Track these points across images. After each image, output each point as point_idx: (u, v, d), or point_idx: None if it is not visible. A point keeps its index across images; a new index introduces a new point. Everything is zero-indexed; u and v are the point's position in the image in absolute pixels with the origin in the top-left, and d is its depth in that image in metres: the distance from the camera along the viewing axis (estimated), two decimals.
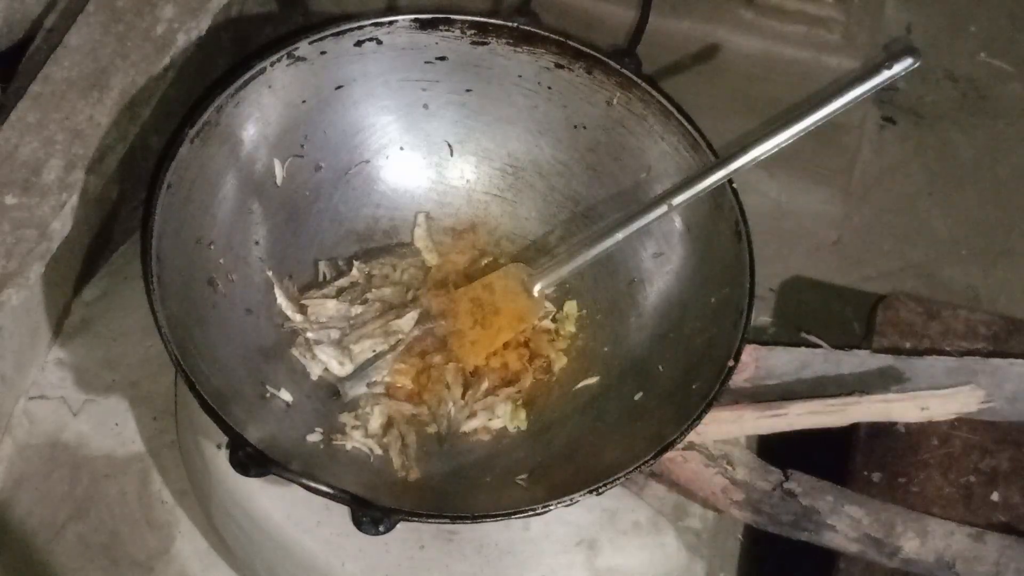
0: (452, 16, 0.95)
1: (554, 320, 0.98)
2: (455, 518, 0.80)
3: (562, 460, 0.89)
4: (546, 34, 0.96)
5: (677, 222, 0.95)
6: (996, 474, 1.00)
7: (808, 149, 1.22)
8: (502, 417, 0.93)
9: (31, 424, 1.01)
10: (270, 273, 0.94)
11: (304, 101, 0.95)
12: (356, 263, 0.98)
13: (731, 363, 0.85)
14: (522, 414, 0.93)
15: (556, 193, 1.01)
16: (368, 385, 0.92)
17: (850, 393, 0.98)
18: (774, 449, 0.99)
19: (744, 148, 0.89)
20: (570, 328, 0.98)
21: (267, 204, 0.95)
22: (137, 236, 0.87)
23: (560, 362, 0.96)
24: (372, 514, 0.76)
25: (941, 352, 1.04)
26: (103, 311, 1.07)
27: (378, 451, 0.90)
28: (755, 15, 1.20)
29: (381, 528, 0.77)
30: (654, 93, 0.94)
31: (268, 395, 0.89)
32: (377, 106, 0.99)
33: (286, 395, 0.90)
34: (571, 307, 0.98)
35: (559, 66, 0.96)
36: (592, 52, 0.95)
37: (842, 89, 0.87)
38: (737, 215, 0.90)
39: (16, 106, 0.92)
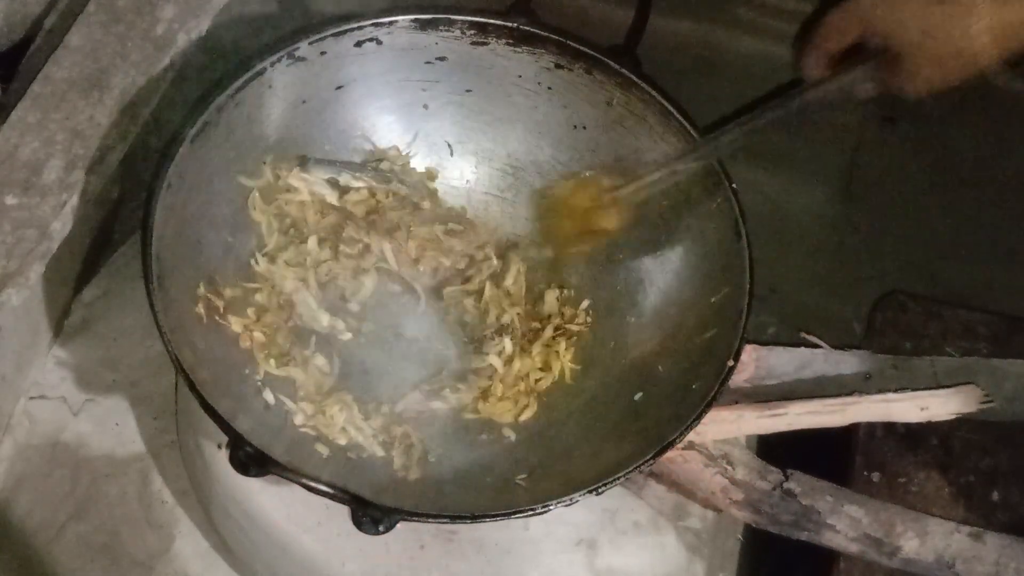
0: (452, 16, 0.95)
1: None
2: (455, 518, 0.80)
3: (562, 460, 0.89)
4: (546, 34, 0.96)
5: (677, 222, 0.95)
6: (996, 474, 1.00)
7: (808, 149, 1.22)
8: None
9: (31, 424, 1.01)
10: None
11: (304, 101, 0.95)
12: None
13: (731, 363, 0.85)
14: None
15: None
16: None
17: (850, 393, 0.98)
18: (774, 449, 0.99)
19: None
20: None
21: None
22: (137, 236, 0.87)
23: (561, 362, 0.96)
24: (372, 514, 0.77)
25: (941, 352, 1.04)
26: (103, 311, 1.07)
27: (379, 451, 0.90)
28: (755, 15, 1.20)
29: (381, 528, 0.77)
30: (654, 93, 0.94)
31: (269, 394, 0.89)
32: (377, 106, 0.99)
33: None
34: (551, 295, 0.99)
35: (559, 66, 0.97)
36: (592, 52, 0.95)
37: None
38: (737, 215, 0.90)
39: (16, 106, 0.92)
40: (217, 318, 0.88)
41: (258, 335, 0.89)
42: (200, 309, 0.86)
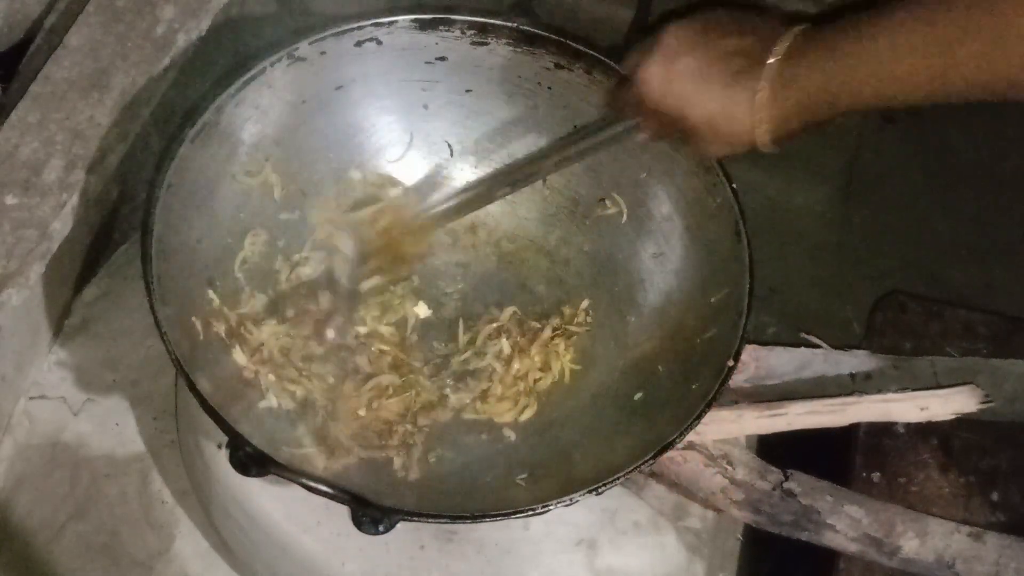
0: (452, 16, 0.95)
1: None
2: (455, 518, 0.80)
3: (562, 460, 0.89)
4: (546, 34, 0.96)
5: (677, 222, 0.95)
6: (996, 474, 1.00)
7: (808, 149, 1.22)
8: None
9: (31, 424, 1.01)
10: None
11: (304, 101, 0.95)
12: None
13: (731, 363, 0.85)
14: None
15: (556, 193, 1.01)
16: None
17: (850, 393, 0.98)
18: (774, 449, 0.99)
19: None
20: None
21: (267, 204, 0.95)
22: (137, 236, 0.87)
23: (561, 362, 0.96)
24: (372, 514, 0.77)
25: (941, 352, 1.04)
26: (103, 311, 1.07)
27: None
28: None
29: (381, 528, 0.77)
30: None
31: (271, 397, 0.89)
32: (377, 106, 0.99)
33: None
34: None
35: (559, 66, 0.97)
36: (592, 52, 0.95)
37: None
38: (737, 215, 0.90)
39: (16, 106, 0.92)
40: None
41: (263, 369, 0.89)
42: (198, 327, 0.86)
